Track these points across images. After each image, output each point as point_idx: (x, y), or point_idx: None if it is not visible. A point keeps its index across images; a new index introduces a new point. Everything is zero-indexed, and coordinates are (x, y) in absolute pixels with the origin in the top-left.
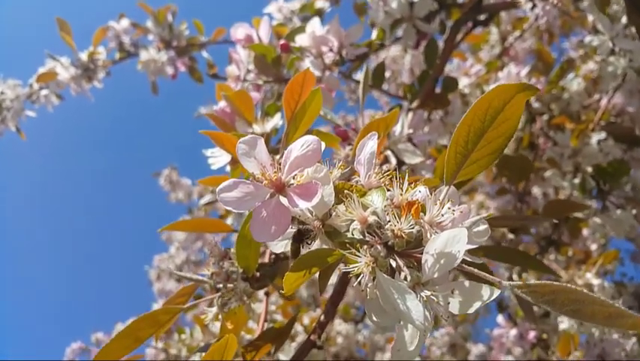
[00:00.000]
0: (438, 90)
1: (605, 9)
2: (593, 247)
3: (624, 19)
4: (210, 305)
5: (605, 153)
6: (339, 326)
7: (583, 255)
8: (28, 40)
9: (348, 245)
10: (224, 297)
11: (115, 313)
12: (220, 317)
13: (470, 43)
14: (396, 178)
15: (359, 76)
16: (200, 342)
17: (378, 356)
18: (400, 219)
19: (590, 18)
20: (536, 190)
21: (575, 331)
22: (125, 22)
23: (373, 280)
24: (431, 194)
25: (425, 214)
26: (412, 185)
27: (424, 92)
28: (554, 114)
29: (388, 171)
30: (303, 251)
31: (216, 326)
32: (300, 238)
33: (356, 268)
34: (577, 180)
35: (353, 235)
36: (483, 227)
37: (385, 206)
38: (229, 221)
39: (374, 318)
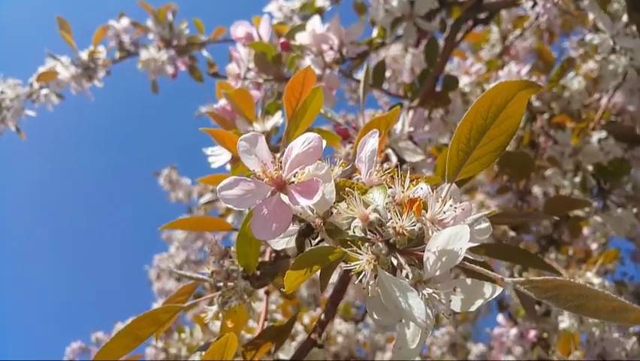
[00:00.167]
0: (438, 89)
1: (606, 7)
2: (594, 246)
3: (625, 18)
4: (210, 304)
5: (606, 151)
6: (339, 325)
7: (583, 254)
8: (29, 39)
9: (349, 243)
10: (224, 296)
11: (115, 313)
12: (220, 315)
13: (471, 42)
14: (398, 176)
15: (359, 75)
16: (200, 341)
17: (378, 355)
18: (401, 216)
19: (591, 16)
20: (537, 189)
21: (575, 330)
22: (125, 21)
23: (375, 278)
24: (433, 191)
25: (427, 212)
26: (414, 182)
27: (424, 90)
28: (555, 113)
29: (389, 168)
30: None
31: (216, 325)
32: (308, 232)
33: (357, 266)
34: (577, 179)
35: (354, 232)
36: (485, 225)
37: (387, 203)
38: (229, 220)
39: (375, 316)
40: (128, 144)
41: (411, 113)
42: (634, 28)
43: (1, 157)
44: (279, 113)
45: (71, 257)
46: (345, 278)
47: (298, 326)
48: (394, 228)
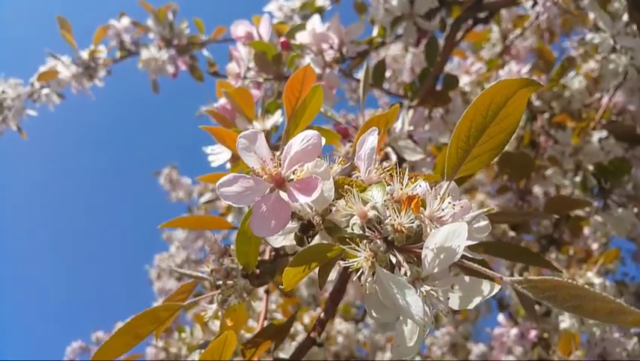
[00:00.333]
0: (439, 88)
1: (606, 6)
2: (594, 246)
3: (625, 17)
4: (210, 302)
5: (607, 151)
6: (339, 325)
7: (584, 254)
8: (29, 39)
9: (347, 240)
10: (224, 294)
11: (115, 313)
12: (220, 314)
13: (471, 41)
14: (397, 173)
15: (359, 74)
16: (200, 341)
17: (378, 355)
18: (399, 213)
19: (591, 16)
20: (537, 189)
21: (576, 330)
22: (125, 21)
23: (373, 275)
24: (431, 189)
25: (425, 209)
26: (412, 180)
27: (424, 89)
28: (555, 112)
29: (389, 167)
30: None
31: (216, 325)
32: (308, 228)
33: (356, 263)
34: (578, 179)
35: (353, 229)
36: (483, 223)
37: (385, 201)
38: (229, 219)
39: (374, 314)
40: (128, 143)
41: (411, 112)
42: (634, 27)
43: (2, 157)
44: (278, 112)
45: (71, 257)
46: (345, 276)
47: (298, 326)
48: (393, 225)
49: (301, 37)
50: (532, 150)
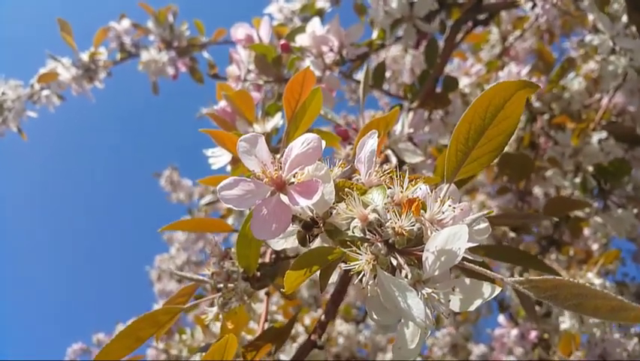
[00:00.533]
0: (438, 90)
1: (605, 8)
2: (595, 246)
3: (625, 18)
4: (211, 305)
5: (606, 152)
6: (340, 326)
7: (584, 255)
8: (29, 40)
9: (348, 243)
10: (224, 297)
11: (116, 314)
12: (221, 316)
13: (471, 43)
14: (397, 176)
15: (359, 76)
16: (201, 343)
17: (379, 356)
18: (400, 216)
19: (591, 17)
20: (537, 190)
21: (576, 331)
22: (126, 23)
23: (374, 277)
24: (432, 191)
25: (426, 212)
26: (413, 182)
27: (424, 91)
28: (555, 114)
29: (389, 169)
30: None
31: (217, 327)
32: (311, 226)
33: (357, 266)
34: (578, 180)
35: (354, 232)
36: (484, 225)
37: (386, 204)
38: (230, 221)
39: (375, 316)
40: (129, 145)
41: (411, 114)
42: (634, 28)
43: (3, 158)
44: (279, 115)
45: (72, 258)
46: (346, 279)
47: (299, 328)
48: (393, 228)
49: (301, 40)
50: (532, 151)
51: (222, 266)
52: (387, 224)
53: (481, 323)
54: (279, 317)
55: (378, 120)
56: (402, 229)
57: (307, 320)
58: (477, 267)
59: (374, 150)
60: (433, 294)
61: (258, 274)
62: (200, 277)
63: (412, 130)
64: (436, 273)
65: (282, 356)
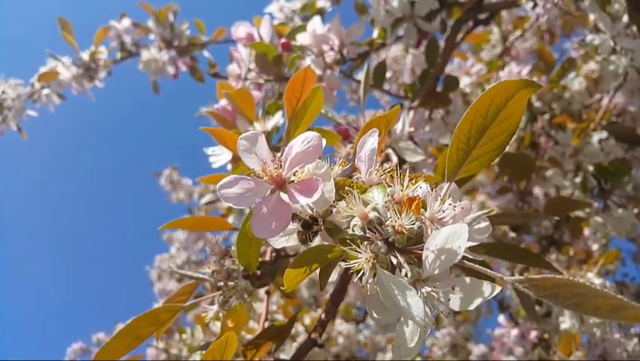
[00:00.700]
0: (439, 89)
1: (606, 8)
2: (595, 246)
3: (625, 18)
4: (211, 303)
5: (607, 152)
6: (340, 326)
7: (584, 255)
8: (30, 39)
9: (348, 241)
10: (225, 295)
11: (116, 314)
12: (221, 315)
13: (471, 42)
14: (397, 175)
15: (360, 75)
16: (201, 342)
17: (379, 356)
18: (400, 215)
19: (592, 17)
20: (538, 190)
21: (576, 330)
22: (126, 22)
23: (374, 276)
24: (432, 190)
25: (426, 210)
26: (413, 181)
27: (425, 90)
28: (556, 113)
29: (389, 168)
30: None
31: (217, 326)
32: (311, 224)
33: (356, 265)
34: (578, 180)
35: (354, 231)
36: (484, 224)
37: (386, 202)
38: (230, 220)
39: (374, 315)
40: (129, 144)
41: (411, 113)
42: (634, 28)
43: (2, 157)
44: (279, 114)
45: (71, 257)
46: (346, 277)
47: (299, 327)
48: (393, 226)
49: (302, 39)
50: (533, 151)
51: (223, 264)
52: (387, 222)
53: (481, 323)
54: (279, 317)
55: (378, 119)
56: (402, 227)
57: (307, 320)
58: (477, 266)
59: (375, 148)
60: (432, 293)
61: (259, 272)
62: (201, 276)
63: (412, 129)
64: (436, 272)
65: (282, 356)
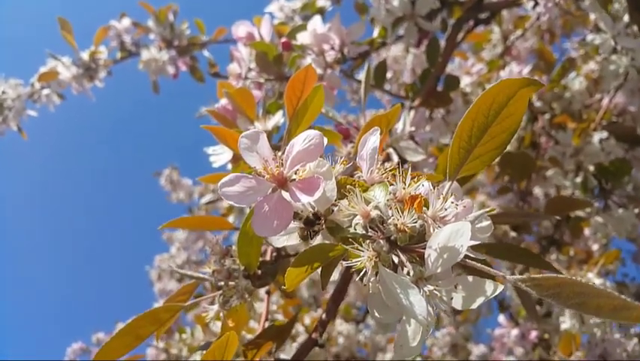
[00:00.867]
0: (440, 89)
1: (607, 7)
2: (595, 246)
3: (626, 18)
4: (212, 303)
5: (607, 152)
6: (340, 326)
7: (584, 255)
8: (30, 39)
9: (350, 240)
10: (225, 295)
11: (116, 314)
12: (221, 315)
13: (472, 42)
14: (399, 173)
15: (360, 75)
16: (201, 342)
17: (379, 356)
18: (402, 213)
19: (592, 17)
20: (538, 190)
21: (576, 331)
22: (126, 22)
23: (376, 275)
24: (434, 189)
25: (428, 209)
26: (415, 180)
27: (425, 90)
28: (556, 113)
29: (391, 167)
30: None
31: (217, 326)
32: (313, 222)
33: (358, 263)
34: (579, 179)
35: (355, 229)
36: (486, 223)
37: (388, 200)
38: (231, 219)
39: (376, 314)
40: (129, 144)
41: (412, 112)
42: (635, 28)
43: (2, 157)
44: (280, 113)
45: (71, 257)
46: (347, 277)
47: (299, 327)
48: (395, 225)
49: (302, 38)
50: (533, 150)
51: (223, 264)
52: (389, 221)
53: (481, 323)
54: (280, 317)
55: (379, 118)
56: (404, 225)
57: (307, 320)
58: (479, 265)
59: (376, 146)
60: (435, 291)
61: (259, 272)
62: (201, 275)
63: (413, 128)
64: (439, 270)
65: (282, 356)
